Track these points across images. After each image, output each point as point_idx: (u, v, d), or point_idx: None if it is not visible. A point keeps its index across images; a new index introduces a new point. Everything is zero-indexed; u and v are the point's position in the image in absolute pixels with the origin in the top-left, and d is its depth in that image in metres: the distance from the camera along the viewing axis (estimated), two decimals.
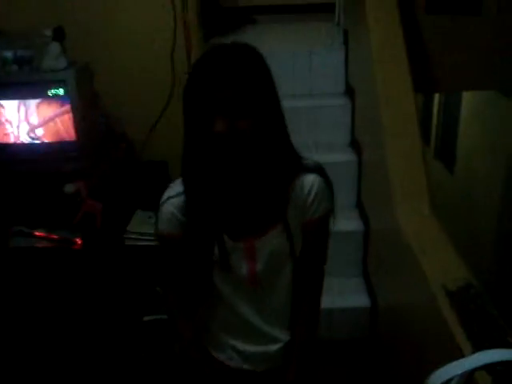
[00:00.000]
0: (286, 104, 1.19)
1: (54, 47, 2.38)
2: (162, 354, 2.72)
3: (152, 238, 2.65)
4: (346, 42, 3.21)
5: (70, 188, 2.45)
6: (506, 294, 3.75)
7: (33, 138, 2.51)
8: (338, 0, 3.59)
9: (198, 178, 1.19)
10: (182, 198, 1.24)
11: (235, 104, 1.07)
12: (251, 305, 1.34)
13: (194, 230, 1.23)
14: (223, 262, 1.25)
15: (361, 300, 2.60)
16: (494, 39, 2.94)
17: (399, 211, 1.98)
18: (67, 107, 2.40)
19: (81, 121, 2.43)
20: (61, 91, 2.37)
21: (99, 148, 2.65)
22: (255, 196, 1.23)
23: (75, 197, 2.45)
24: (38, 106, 2.45)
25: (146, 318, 2.76)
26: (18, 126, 2.50)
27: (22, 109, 2.46)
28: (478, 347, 1.29)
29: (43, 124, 2.48)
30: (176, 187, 1.27)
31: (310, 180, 1.25)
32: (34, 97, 2.44)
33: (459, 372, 1.21)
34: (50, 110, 2.45)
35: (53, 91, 2.38)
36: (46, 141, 2.51)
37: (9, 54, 2.48)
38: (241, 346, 1.40)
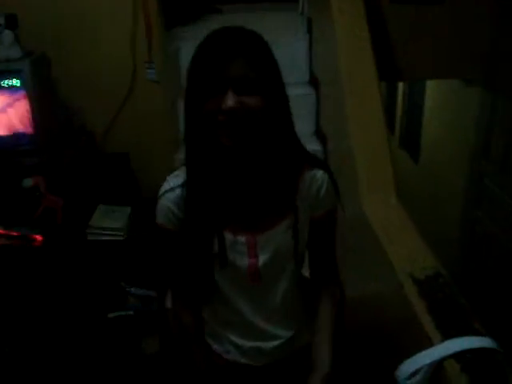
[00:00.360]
0: None
1: (7, 36, 2.29)
2: (129, 352, 2.68)
3: (115, 232, 2.60)
4: (309, 31, 3.18)
5: (28, 183, 2.37)
6: (470, 281, 3.81)
7: None
8: None
9: (202, 166, 1.15)
10: (178, 192, 1.21)
11: (246, 79, 1.05)
12: (251, 302, 1.31)
13: (192, 224, 1.20)
14: (221, 257, 1.22)
15: None
16: (456, 28, 2.95)
17: (365, 201, 1.96)
18: (23, 99, 2.31)
19: (38, 113, 2.35)
20: (16, 82, 2.28)
21: (58, 140, 2.57)
22: (264, 186, 1.19)
23: (34, 192, 2.37)
24: None
25: (110, 315, 2.71)
26: None
27: None
28: (446, 335, 1.29)
29: None
30: (173, 180, 1.23)
31: (320, 175, 1.24)
32: None
33: (428, 362, 1.21)
34: (5, 101, 2.35)
35: (7, 82, 2.28)
36: (2, 134, 2.42)
37: None
38: (239, 340, 1.37)
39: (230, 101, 1.03)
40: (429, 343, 1.31)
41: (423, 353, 1.24)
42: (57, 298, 2.41)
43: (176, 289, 1.43)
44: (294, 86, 3.15)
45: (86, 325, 2.57)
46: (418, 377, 1.20)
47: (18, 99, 2.33)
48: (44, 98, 2.41)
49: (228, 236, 1.22)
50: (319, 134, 2.96)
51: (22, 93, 2.30)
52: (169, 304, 2.65)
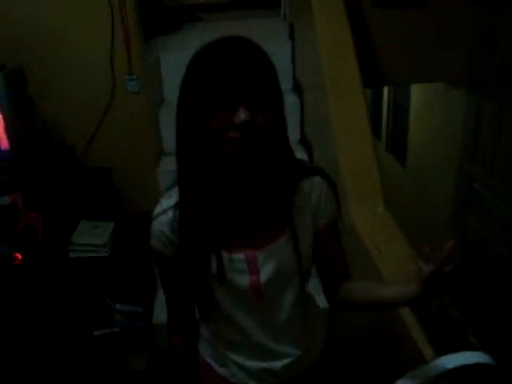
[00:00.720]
0: None
1: None
2: (116, 369, 2.62)
3: (97, 248, 2.54)
4: (292, 37, 3.14)
5: (4, 200, 2.29)
6: (461, 287, 3.77)
7: None
8: None
9: (196, 183, 1.10)
10: (171, 214, 1.15)
11: (257, 94, 1.00)
12: (256, 321, 1.24)
13: (187, 246, 1.15)
14: (220, 277, 1.16)
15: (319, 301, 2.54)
16: (439, 31, 2.93)
17: (353, 210, 1.92)
18: None
19: (13, 128, 2.28)
20: None
21: (36, 156, 2.50)
22: (261, 200, 1.14)
23: (11, 210, 2.30)
24: None
25: (96, 333, 2.65)
26: None
27: None
28: (439, 352, 1.24)
29: None
30: (165, 201, 1.18)
31: (318, 182, 1.20)
32: None
33: (421, 381, 1.16)
34: None
35: None
36: None
37: None
38: (245, 362, 1.30)
39: (243, 115, 0.98)
40: (422, 359, 1.26)
41: (415, 371, 1.19)
42: (40, 318, 2.34)
43: (171, 311, 1.36)
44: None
45: (71, 344, 2.51)
46: None
47: None
48: (19, 112, 2.35)
49: (225, 254, 1.16)
50: (304, 142, 2.91)
51: None
52: (155, 320, 2.62)
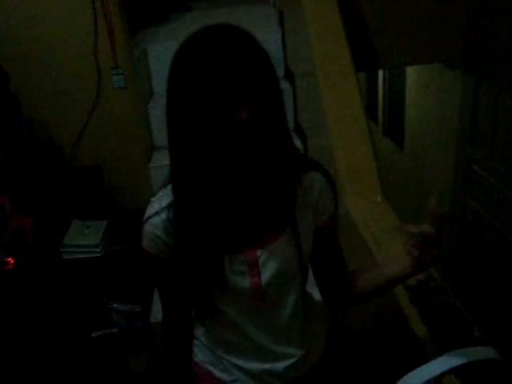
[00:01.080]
0: None
1: None
2: (115, 371, 2.58)
3: (90, 249, 2.49)
4: (282, 24, 3.07)
5: None
6: (464, 270, 3.73)
7: None
8: None
9: (193, 182, 1.02)
10: (164, 216, 1.08)
11: (254, 88, 0.92)
12: (256, 322, 1.19)
13: (183, 248, 1.08)
14: (221, 282, 1.09)
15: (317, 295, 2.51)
16: (434, 11, 2.86)
17: (349, 200, 1.86)
18: None
19: None
20: None
21: (23, 156, 2.44)
22: (260, 198, 1.08)
23: (0, 214, 2.24)
24: None
25: (94, 334, 2.61)
26: None
27: None
28: (443, 348, 1.18)
29: None
30: (157, 202, 1.10)
31: (319, 178, 1.14)
32: None
33: (424, 380, 1.11)
34: None
35: None
36: None
37: None
38: (246, 365, 1.25)
39: (243, 113, 0.91)
40: (425, 356, 1.21)
41: (419, 369, 1.13)
42: (36, 322, 2.31)
43: (166, 312, 1.30)
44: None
45: (69, 346, 2.48)
46: None
47: None
48: (1, 113, 2.28)
49: (225, 256, 1.10)
50: (298, 130, 2.85)
51: None
52: (153, 319, 2.58)
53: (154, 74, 3.05)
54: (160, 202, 1.10)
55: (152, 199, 1.12)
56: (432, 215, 1.02)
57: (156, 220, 1.09)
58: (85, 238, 2.52)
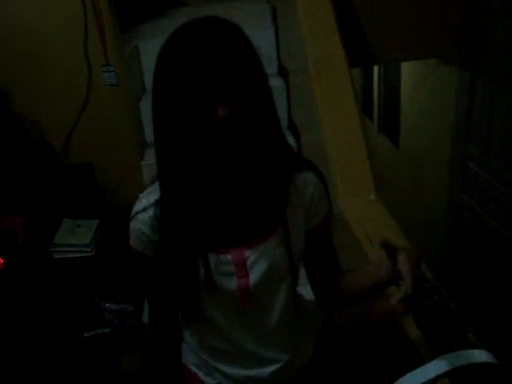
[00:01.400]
0: None
1: None
2: (107, 371, 2.56)
3: (81, 248, 2.46)
4: (275, 20, 3.04)
5: None
6: (459, 267, 3.72)
7: None
8: None
9: (180, 178, 1.00)
10: (151, 212, 1.05)
11: (235, 86, 0.91)
12: (242, 326, 1.16)
13: (169, 246, 1.05)
14: (207, 282, 1.06)
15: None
16: (429, 6, 2.83)
17: (342, 198, 1.84)
18: None
19: None
20: None
21: (12, 155, 2.40)
22: (250, 197, 1.05)
23: None
24: None
25: (86, 334, 2.59)
26: None
27: None
28: (436, 350, 1.16)
29: None
30: (145, 198, 1.08)
31: (311, 179, 1.11)
32: None
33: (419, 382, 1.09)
34: None
35: None
36: None
37: None
38: (231, 370, 1.23)
39: (221, 111, 0.89)
40: (419, 357, 1.19)
41: (413, 373, 1.11)
42: (27, 323, 2.28)
43: (153, 312, 1.28)
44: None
45: (61, 347, 2.45)
46: None
47: None
48: None
49: (212, 256, 1.06)
50: (292, 128, 2.82)
51: None
52: (146, 318, 2.55)
53: (146, 71, 3.01)
54: (148, 198, 1.07)
55: (140, 195, 1.10)
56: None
57: (143, 216, 1.07)
58: (76, 238, 2.49)
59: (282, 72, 2.95)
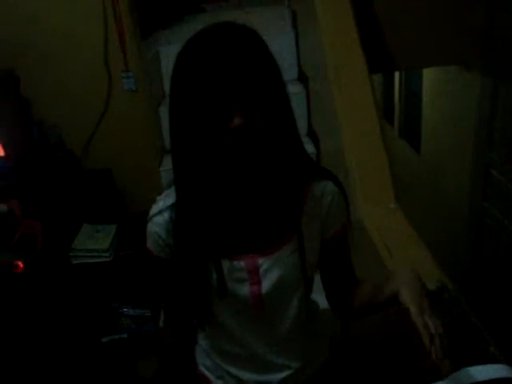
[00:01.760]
0: None
1: None
2: (125, 376, 2.56)
3: (100, 253, 2.47)
4: (295, 25, 3.03)
5: (1, 208, 2.21)
6: (481, 276, 3.66)
7: None
8: None
9: (195, 185, 1.00)
10: (167, 215, 1.06)
11: (252, 95, 0.89)
12: (255, 332, 1.16)
13: (183, 251, 1.06)
14: (220, 288, 1.06)
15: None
16: (451, 11, 2.80)
17: (361, 206, 1.81)
18: None
19: (6, 132, 2.20)
20: None
21: (33, 160, 2.42)
22: (265, 204, 1.04)
23: (9, 217, 2.23)
24: None
25: (104, 339, 2.59)
26: None
27: None
28: (456, 364, 1.13)
29: None
30: (161, 201, 1.08)
31: (330, 188, 1.09)
32: None
33: None
34: None
35: None
36: None
37: None
38: (243, 374, 1.23)
39: (237, 120, 0.88)
40: (437, 372, 1.16)
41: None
42: (45, 327, 2.29)
43: (168, 316, 1.28)
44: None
45: (78, 351, 2.46)
46: None
47: None
48: (11, 115, 2.28)
49: (225, 262, 1.06)
50: (312, 134, 2.80)
51: None
52: (162, 323, 2.55)
53: (165, 77, 3.02)
54: (165, 200, 1.08)
55: (158, 197, 1.10)
56: None
57: (159, 219, 1.07)
58: (94, 243, 2.50)
59: (302, 78, 2.93)
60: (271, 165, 0.98)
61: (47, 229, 2.31)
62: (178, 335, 1.28)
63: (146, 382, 2.57)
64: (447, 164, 4.12)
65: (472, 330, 1.25)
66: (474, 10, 2.83)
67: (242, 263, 1.07)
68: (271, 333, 1.17)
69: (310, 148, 2.73)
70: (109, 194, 2.69)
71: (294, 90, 2.89)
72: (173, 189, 1.06)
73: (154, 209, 1.09)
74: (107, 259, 2.48)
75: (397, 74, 5.45)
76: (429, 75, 4.43)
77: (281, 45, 2.97)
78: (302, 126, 2.87)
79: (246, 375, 1.22)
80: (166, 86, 3.04)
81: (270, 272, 1.08)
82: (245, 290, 1.08)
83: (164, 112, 2.87)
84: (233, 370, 1.23)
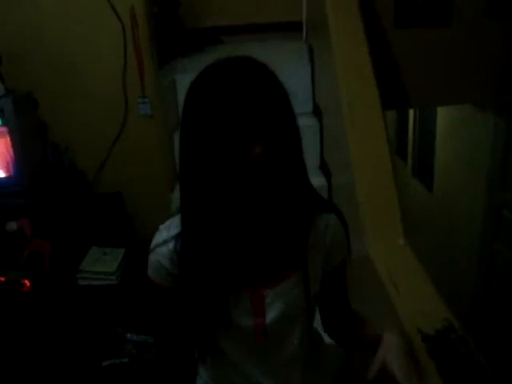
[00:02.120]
0: None
1: None
2: None
3: (107, 276, 2.47)
4: (312, 59, 3.07)
5: (12, 226, 2.25)
6: (489, 316, 3.60)
7: None
8: (304, 16, 3.47)
9: (203, 215, 0.98)
10: (171, 245, 1.04)
11: (270, 122, 0.89)
12: (257, 361, 1.15)
13: (188, 282, 1.04)
14: (225, 319, 1.06)
15: None
16: (465, 51, 2.82)
17: (370, 241, 1.80)
18: (5, 138, 2.20)
19: (21, 152, 2.24)
20: None
21: (45, 180, 2.45)
22: (271, 238, 1.04)
23: (19, 235, 2.25)
24: None
25: (104, 363, 2.57)
26: None
27: None
28: None
29: None
30: (166, 230, 1.07)
31: (334, 222, 1.10)
32: None
33: None
34: None
35: None
36: None
37: None
38: None
39: (258, 148, 0.87)
40: None
41: None
42: (47, 346, 2.29)
43: (168, 345, 1.27)
44: (297, 116, 3.04)
45: (78, 373, 2.43)
46: None
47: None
48: (28, 137, 2.32)
49: (231, 295, 1.06)
50: (324, 168, 2.81)
51: (4, 131, 2.20)
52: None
53: (181, 104, 3.05)
54: (168, 230, 1.06)
55: (161, 226, 1.09)
56: None
57: (163, 249, 1.06)
58: (102, 265, 2.50)
59: (317, 112, 2.95)
60: (281, 196, 0.98)
61: (56, 249, 2.33)
62: (178, 366, 1.27)
63: None
64: (459, 203, 4.11)
65: (478, 371, 1.23)
66: (487, 49, 2.85)
67: (248, 295, 1.07)
68: (273, 362, 1.16)
69: (321, 181, 2.73)
70: (119, 217, 2.70)
71: (308, 123, 2.92)
72: (177, 218, 1.05)
73: (158, 238, 1.07)
74: (113, 282, 2.48)
75: (411, 112, 5.47)
76: (443, 114, 4.44)
77: (297, 78, 3.01)
78: (314, 158, 2.88)
79: None
80: (181, 112, 3.08)
81: (275, 304, 1.07)
82: (249, 321, 1.08)
83: (178, 138, 2.90)
84: None
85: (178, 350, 1.24)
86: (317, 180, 2.74)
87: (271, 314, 1.08)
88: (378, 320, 1.14)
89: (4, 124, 2.19)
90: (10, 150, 2.22)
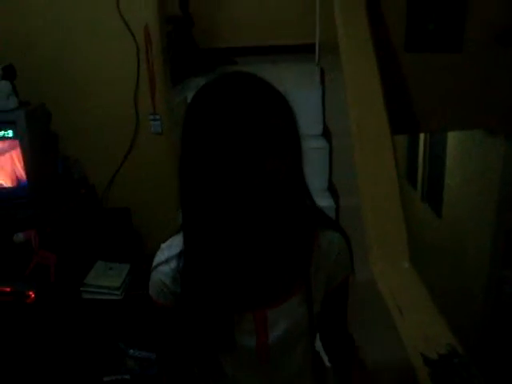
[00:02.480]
0: None
1: (4, 86, 2.22)
2: None
3: (111, 291, 2.47)
4: (322, 82, 3.09)
5: (19, 237, 2.25)
6: (497, 344, 3.55)
7: None
8: (317, 39, 3.50)
9: (207, 233, 0.97)
10: (173, 264, 1.03)
11: (279, 143, 0.89)
12: (258, 381, 1.14)
13: (191, 302, 1.03)
14: (228, 340, 1.05)
15: None
16: (476, 76, 2.83)
17: (375, 264, 1.79)
18: (17, 150, 2.23)
19: (32, 164, 2.27)
20: (10, 133, 2.20)
21: (54, 193, 2.47)
22: (274, 258, 1.03)
23: (26, 247, 2.26)
24: None
25: (106, 379, 2.56)
26: None
27: None
28: None
29: None
30: (167, 250, 1.06)
31: (337, 240, 1.09)
32: None
33: None
34: None
35: (1, 133, 2.20)
36: None
37: None
38: None
39: (270, 164, 0.87)
40: None
41: None
42: (49, 359, 2.28)
43: (165, 366, 1.23)
44: (307, 138, 3.03)
45: None
46: None
47: (11, 150, 2.25)
48: (39, 150, 2.34)
49: (234, 315, 1.05)
50: (332, 189, 2.81)
51: (16, 144, 2.23)
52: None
53: None
54: (170, 249, 1.05)
55: (162, 245, 1.08)
56: None
57: (165, 268, 1.04)
58: (106, 280, 2.50)
59: (326, 134, 2.96)
60: (284, 212, 0.97)
61: (61, 261, 2.33)
62: None
63: None
64: (468, 229, 4.07)
65: None
66: (498, 75, 2.86)
67: (251, 315, 1.05)
68: (275, 381, 1.15)
69: (329, 202, 2.74)
70: (125, 233, 2.71)
71: (318, 145, 2.93)
72: (178, 237, 1.04)
73: (160, 257, 1.06)
74: (117, 297, 2.48)
75: (421, 137, 5.46)
76: (453, 139, 4.43)
77: (308, 100, 3.03)
78: (323, 180, 2.89)
79: None
80: (182, 129, 3.11)
81: (278, 323, 1.06)
82: (252, 341, 1.06)
83: None
84: None
85: (176, 369, 1.21)
86: (325, 201, 2.75)
87: (274, 334, 1.06)
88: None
89: (15, 137, 2.22)
90: (21, 162, 2.25)
